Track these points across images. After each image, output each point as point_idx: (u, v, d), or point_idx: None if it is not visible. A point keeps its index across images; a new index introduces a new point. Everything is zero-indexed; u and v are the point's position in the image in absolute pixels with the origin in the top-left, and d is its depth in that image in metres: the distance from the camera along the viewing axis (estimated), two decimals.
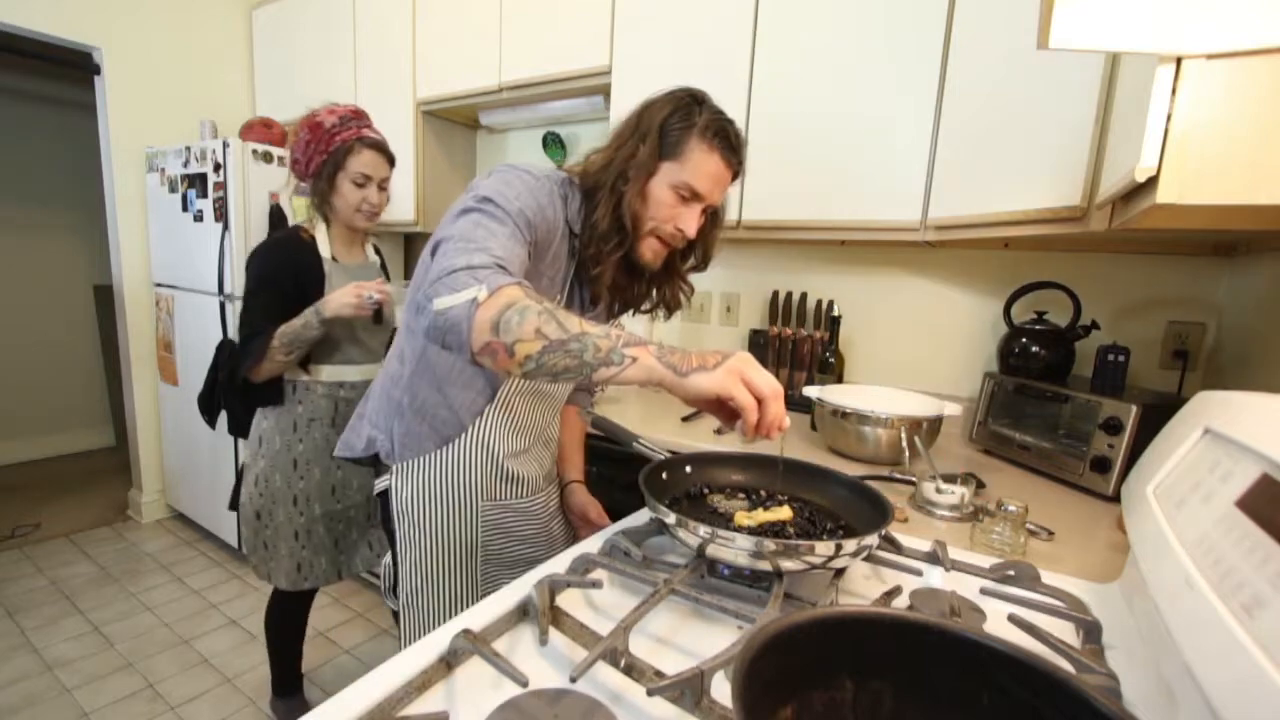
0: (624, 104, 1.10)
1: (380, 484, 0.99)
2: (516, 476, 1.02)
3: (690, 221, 0.89)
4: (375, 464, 1.00)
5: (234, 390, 1.48)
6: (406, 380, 0.95)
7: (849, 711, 0.41)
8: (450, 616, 0.86)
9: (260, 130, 2.52)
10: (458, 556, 0.98)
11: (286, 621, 1.64)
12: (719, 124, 0.88)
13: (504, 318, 0.65)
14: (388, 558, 1.04)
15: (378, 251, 1.62)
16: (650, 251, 0.91)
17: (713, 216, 0.96)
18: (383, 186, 1.44)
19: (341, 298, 1.33)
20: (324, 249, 1.44)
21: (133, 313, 2.75)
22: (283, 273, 1.40)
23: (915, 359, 1.72)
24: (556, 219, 0.87)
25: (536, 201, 0.83)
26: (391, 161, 1.45)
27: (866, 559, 0.75)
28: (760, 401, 0.63)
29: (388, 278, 1.60)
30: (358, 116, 1.42)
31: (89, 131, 2.77)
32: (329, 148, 1.38)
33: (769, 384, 0.64)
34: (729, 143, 0.88)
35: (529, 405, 1.01)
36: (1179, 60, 0.58)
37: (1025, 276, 1.47)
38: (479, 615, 0.62)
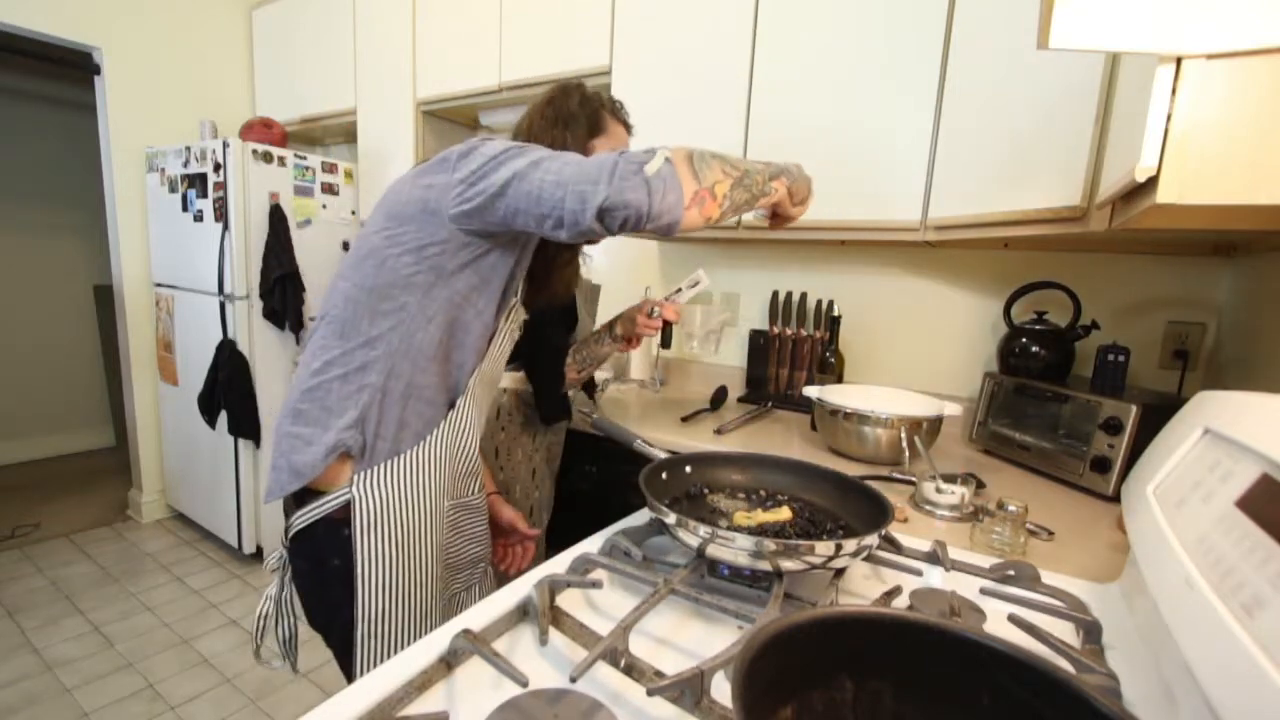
0: (624, 104, 1.13)
1: (318, 509, 0.82)
2: (477, 468, 0.97)
3: None
4: (301, 491, 0.83)
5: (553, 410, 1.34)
6: (384, 364, 0.82)
7: (849, 711, 0.41)
8: (418, 636, 0.80)
9: (260, 130, 2.52)
10: (422, 568, 0.88)
11: None
12: (613, 100, 1.07)
13: (695, 167, 0.74)
14: (266, 605, 0.90)
15: None
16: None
17: None
18: None
19: (629, 315, 1.26)
20: None
21: (133, 313, 2.75)
22: None
23: (915, 359, 1.72)
24: None
25: None
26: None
27: (866, 559, 0.75)
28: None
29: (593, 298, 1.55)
30: None
31: (89, 131, 2.77)
32: None
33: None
34: (625, 114, 1.09)
35: (489, 377, 0.95)
36: (1179, 60, 0.57)
37: (1025, 276, 1.47)
38: (479, 615, 0.62)
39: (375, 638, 0.85)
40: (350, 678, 0.87)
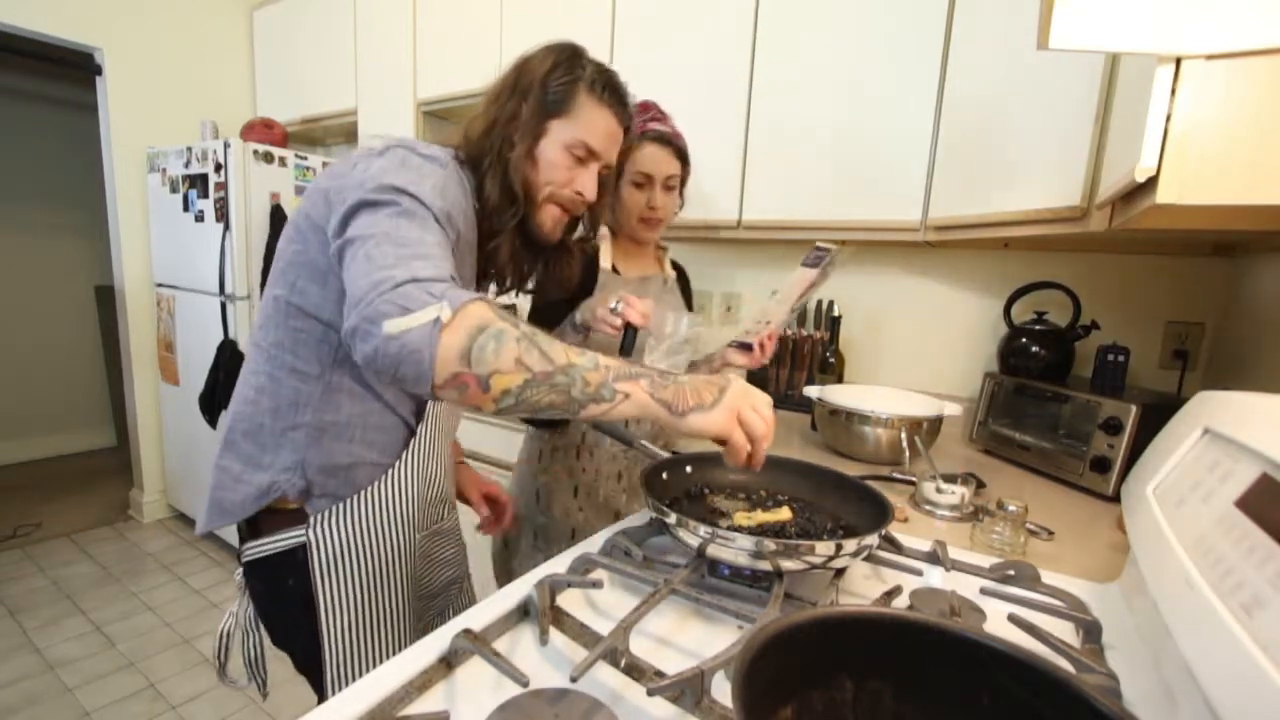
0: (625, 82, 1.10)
1: (279, 542, 0.76)
2: (445, 489, 0.90)
3: (589, 183, 0.82)
4: (248, 523, 0.78)
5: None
6: (319, 398, 0.74)
7: (849, 711, 0.41)
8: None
9: (261, 130, 2.53)
10: (393, 609, 0.82)
11: None
12: (605, 76, 0.82)
13: (476, 344, 0.55)
14: (228, 622, 0.85)
15: (677, 267, 1.37)
16: (550, 220, 0.83)
17: (604, 180, 0.89)
18: (669, 186, 1.19)
19: (594, 303, 1.04)
20: (604, 259, 1.22)
21: (134, 313, 2.76)
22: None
23: (915, 359, 1.72)
24: (469, 209, 0.77)
25: (453, 195, 0.71)
26: (681, 156, 1.20)
27: (866, 559, 0.75)
28: (753, 441, 0.63)
29: (688, 303, 1.36)
30: (644, 110, 1.20)
31: (90, 132, 2.77)
32: None
33: (763, 424, 0.63)
34: (618, 95, 0.83)
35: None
36: (1179, 60, 0.58)
37: (1025, 276, 1.47)
38: (479, 615, 0.62)
39: (346, 681, 0.78)
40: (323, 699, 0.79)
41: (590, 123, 0.80)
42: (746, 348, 1.18)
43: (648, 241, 1.25)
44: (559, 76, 0.80)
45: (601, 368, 0.58)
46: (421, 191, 0.66)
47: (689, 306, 1.36)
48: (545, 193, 0.81)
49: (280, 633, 0.83)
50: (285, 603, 0.78)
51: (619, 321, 0.95)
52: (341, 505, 0.76)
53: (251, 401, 0.76)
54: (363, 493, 0.77)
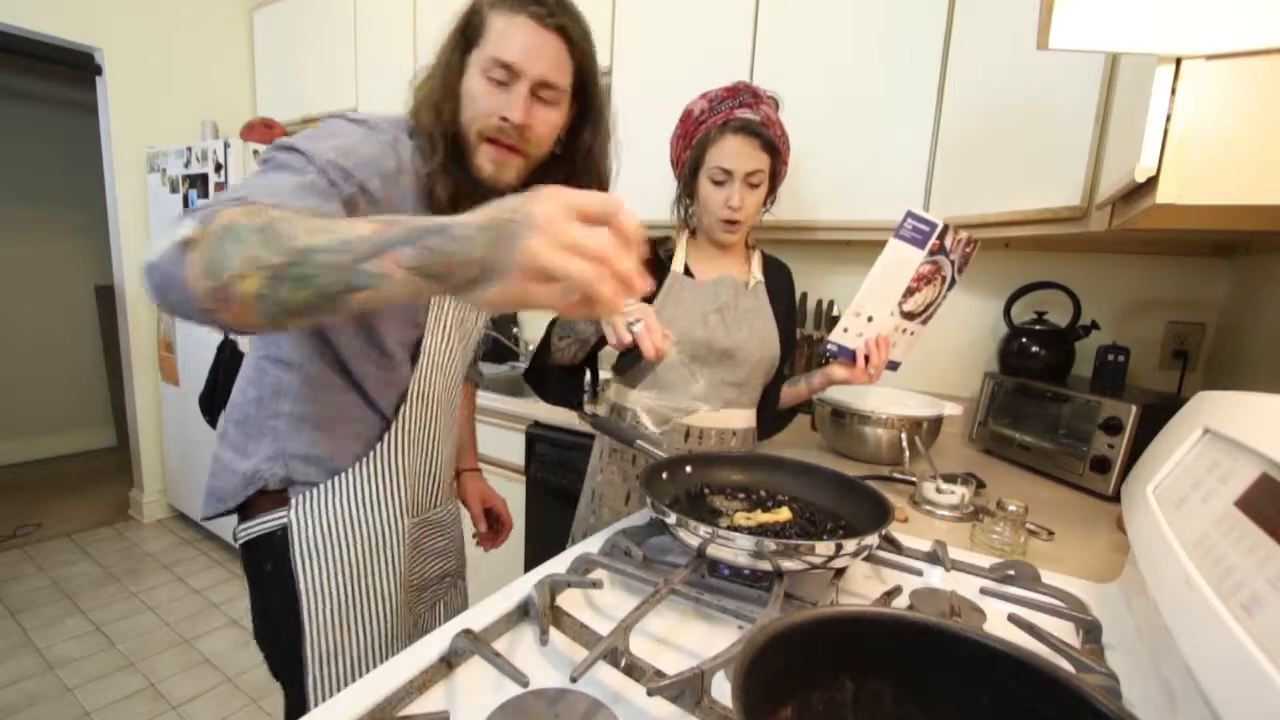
0: (624, 104, 1.09)
1: (262, 525, 0.76)
2: (439, 479, 0.86)
3: (514, 105, 0.71)
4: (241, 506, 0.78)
5: (532, 370, 1.13)
6: (300, 387, 0.75)
7: (849, 711, 0.41)
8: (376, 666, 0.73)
9: (261, 130, 2.53)
10: (383, 593, 0.80)
11: None
12: None
13: (216, 252, 0.46)
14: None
15: (776, 266, 1.24)
16: (489, 161, 0.74)
17: (583, 117, 0.80)
18: (754, 184, 1.05)
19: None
20: (677, 260, 1.14)
21: (134, 313, 2.76)
22: None
23: (915, 359, 1.72)
24: (400, 168, 0.71)
25: (364, 152, 0.67)
26: (770, 148, 1.05)
27: (866, 559, 0.75)
28: (592, 297, 0.41)
29: (789, 306, 1.24)
30: (732, 94, 1.06)
31: (90, 132, 2.77)
32: (693, 140, 1.07)
33: (591, 263, 0.40)
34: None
35: (446, 375, 0.83)
36: (1179, 60, 0.58)
37: (1025, 276, 1.47)
38: (479, 615, 0.62)
39: (329, 680, 0.76)
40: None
41: (502, 37, 0.71)
42: (848, 356, 1.05)
43: (727, 244, 1.12)
44: (469, 8, 0.74)
45: (348, 245, 0.44)
46: (313, 148, 0.63)
47: (791, 310, 1.23)
48: (474, 129, 0.73)
49: (263, 625, 0.81)
50: (266, 589, 0.78)
51: (628, 339, 0.83)
52: (322, 487, 0.76)
53: (241, 391, 0.78)
54: (344, 474, 0.76)
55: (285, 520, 0.75)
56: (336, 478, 0.76)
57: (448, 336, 0.82)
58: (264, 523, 0.76)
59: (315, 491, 0.75)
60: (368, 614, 0.78)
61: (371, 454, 0.78)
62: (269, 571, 0.76)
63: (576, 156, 0.82)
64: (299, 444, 0.76)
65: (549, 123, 0.75)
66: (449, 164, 0.73)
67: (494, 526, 1.13)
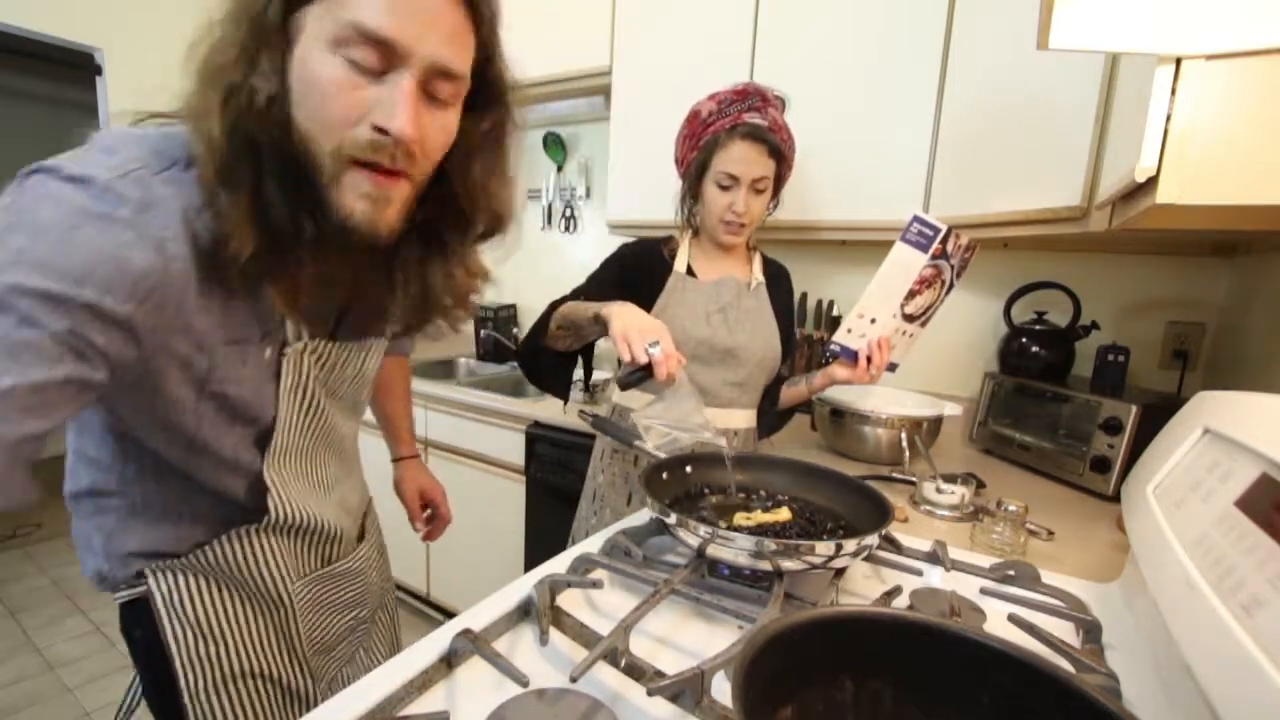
0: (624, 104, 1.08)
1: (130, 590, 0.63)
2: (339, 533, 0.71)
3: (397, 107, 0.45)
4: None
5: (521, 352, 1.13)
6: (116, 484, 0.61)
7: (849, 711, 0.41)
8: None
9: None
10: (274, 662, 0.67)
11: None
12: None
13: None
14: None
15: (776, 269, 1.24)
16: (359, 198, 0.48)
17: (477, 119, 0.55)
18: (759, 190, 1.05)
19: (630, 319, 0.84)
20: (680, 260, 1.13)
21: None
22: (629, 264, 1.13)
23: (915, 359, 1.72)
24: (167, 261, 0.47)
25: (88, 249, 0.44)
26: (777, 154, 1.04)
27: (866, 559, 0.75)
28: None
29: (789, 307, 1.24)
30: (741, 97, 1.03)
31: (90, 132, 2.77)
32: (700, 142, 1.06)
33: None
34: None
35: (319, 429, 0.66)
36: (1179, 60, 0.58)
37: (1025, 276, 1.47)
38: (479, 615, 0.62)
39: None
40: None
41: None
42: (850, 356, 1.05)
43: (729, 246, 1.12)
44: None
45: None
46: (50, 272, 0.42)
47: (790, 312, 1.23)
48: (327, 148, 0.46)
49: (150, 694, 0.68)
50: (139, 656, 0.66)
51: (644, 359, 0.78)
52: (185, 559, 0.62)
53: (67, 476, 0.65)
54: (205, 549, 0.62)
55: (145, 588, 0.62)
56: (198, 551, 0.62)
57: (310, 399, 0.63)
58: (132, 588, 0.63)
59: (176, 563, 0.62)
60: (257, 688, 0.66)
61: (231, 533, 0.62)
62: (138, 639, 0.64)
63: (460, 183, 0.56)
64: (134, 541, 0.61)
65: (446, 131, 0.52)
66: (270, 209, 0.47)
67: (432, 520, 1.05)
